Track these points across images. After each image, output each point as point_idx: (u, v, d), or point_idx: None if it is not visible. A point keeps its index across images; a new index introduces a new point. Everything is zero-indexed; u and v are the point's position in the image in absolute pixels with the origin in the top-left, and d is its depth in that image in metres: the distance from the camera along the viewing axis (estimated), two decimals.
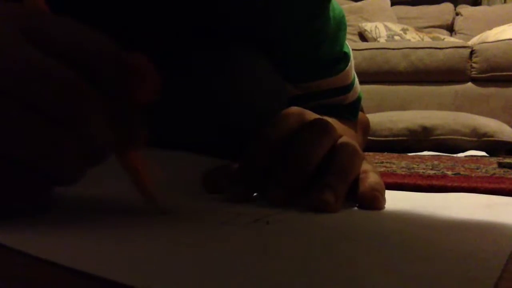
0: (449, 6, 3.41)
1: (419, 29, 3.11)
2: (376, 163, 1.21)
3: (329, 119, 0.42)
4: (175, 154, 0.45)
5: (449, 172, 0.88)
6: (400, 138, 2.18)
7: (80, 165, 0.26)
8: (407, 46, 2.64)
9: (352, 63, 0.60)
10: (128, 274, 0.18)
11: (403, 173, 0.84)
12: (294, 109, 0.38)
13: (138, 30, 0.49)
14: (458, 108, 2.48)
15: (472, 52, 2.54)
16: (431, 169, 0.98)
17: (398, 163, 1.22)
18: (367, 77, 2.49)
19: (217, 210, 0.32)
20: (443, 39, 2.97)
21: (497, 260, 0.21)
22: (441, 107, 2.50)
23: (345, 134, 0.39)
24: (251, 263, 0.20)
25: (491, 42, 2.59)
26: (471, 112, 2.35)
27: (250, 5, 0.48)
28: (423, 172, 0.88)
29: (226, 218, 0.29)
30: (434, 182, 0.53)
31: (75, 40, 0.25)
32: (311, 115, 0.38)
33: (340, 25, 0.56)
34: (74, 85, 0.24)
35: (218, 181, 0.37)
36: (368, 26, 3.06)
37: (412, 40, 2.91)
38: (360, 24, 3.10)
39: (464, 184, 0.51)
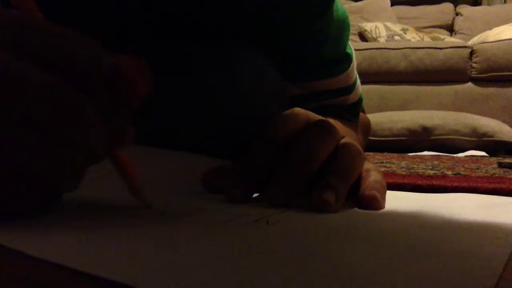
0: (449, 6, 3.41)
1: (419, 29, 3.11)
2: (376, 163, 1.21)
3: (331, 120, 0.42)
4: (175, 154, 0.45)
5: (449, 172, 0.88)
6: (400, 138, 2.18)
7: (79, 172, 0.26)
8: (407, 46, 2.64)
9: (354, 64, 0.60)
10: (128, 274, 0.18)
11: (403, 173, 0.84)
12: (297, 110, 0.38)
13: (138, 28, 0.49)
14: (458, 108, 2.47)
15: (472, 52, 2.54)
16: (431, 169, 0.98)
17: (398, 163, 1.22)
18: (367, 77, 2.49)
19: (217, 210, 0.32)
20: (443, 39, 2.97)
21: (497, 260, 0.21)
22: (441, 107, 2.50)
23: (347, 135, 0.39)
24: (251, 263, 0.20)
25: (491, 42, 2.59)
26: (471, 112, 2.35)
27: (251, 4, 0.48)
28: (423, 172, 0.88)
29: (226, 218, 0.29)
30: (434, 182, 0.53)
31: (57, 44, 0.24)
32: (314, 116, 0.38)
33: (343, 26, 0.56)
34: (55, 90, 0.23)
35: (218, 181, 0.37)
36: (368, 26, 3.06)
37: (412, 40, 2.91)
38: (360, 24, 3.10)
39: (464, 184, 0.51)
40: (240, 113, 0.47)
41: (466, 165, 1.17)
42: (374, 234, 0.27)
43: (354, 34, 3.09)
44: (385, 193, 0.36)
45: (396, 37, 2.95)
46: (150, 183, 0.37)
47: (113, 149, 0.28)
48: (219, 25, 0.49)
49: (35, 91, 0.23)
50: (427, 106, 2.53)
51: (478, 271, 0.20)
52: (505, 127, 2.18)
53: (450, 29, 3.32)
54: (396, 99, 2.59)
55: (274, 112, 0.40)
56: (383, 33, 2.99)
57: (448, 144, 2.14)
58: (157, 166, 0.41)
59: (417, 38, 2.95)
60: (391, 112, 2.38)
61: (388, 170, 0.91)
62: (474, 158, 1.76)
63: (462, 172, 0.89)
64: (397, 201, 0.38)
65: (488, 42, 2.61)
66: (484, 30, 2.90)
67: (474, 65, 2.53)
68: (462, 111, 2.40)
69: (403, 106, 2.54)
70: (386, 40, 2.91)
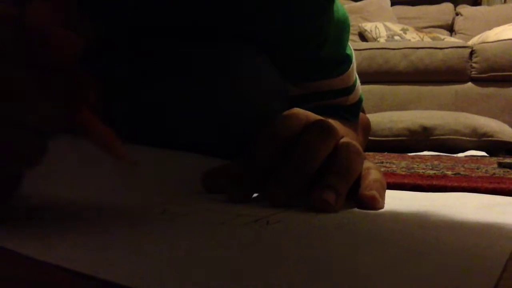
0: (449, 6, 3.40)
1: (419, 29, 3.11)
2: (376, 163, 1.21)
3: (331, 121, 0.42)
4: (175, 154, 0.45)
5: (449, 172, 0.88)
6: (400, 138, 2.18)
7: (33, 148, 0.24)
8: (407, 46, 2.64)
9: (354, 65, 0.60)
10: (127, 275, 0.18)
11: (403, 173, 0.84)
12: (297, 110, 0.38)
13: (138, 28, 0.49)
14: (458, 108, 2.47)
15: (472, 52, 2.54)
16: (431, 169, 0.98)
17: (398, 163, 1.22)
18: (367, 77, 2.49)
19: (217, 210, 0.32)
20: (443, 39, 2.97)
21: (497, 260, 0.21)
22: (441, 107, 2.49)
23: (346, 135, 0.39)
24: (250, 263, 0.20)
25: (491, 42, 2.59)
26: (471, 112, 2.35)
27: (251, 4, 0.48)
28: (423, 172, 0.88)
29: (226, 218, 0.29)
30: (434, 182, 0.53)
31: None
32: (314, 117, 0.38)
33: (343, 27, 0.56)
34: None
35: (218, 181, 0.37)
36: (368, 26, 3.06)
37: (412, 40, 2.91)
38: (360, 24, 3.10)
39: (464, 184, 0.51)
40: (240, 113, 0.47)
41: (466, 165, 1.17)
42: (374, 234, 0.27)
43: (354, 34, 3.09)
44: (384, 192, 0.36)
45: (396, 37, 2.95)
46: (150, 183, 0.37)
47: (74, 113, 0.25)
48: (219, 25, 0.49)
49: None
50: (427, 106, 2.53)
51: (478, 271, 0.20)
52: (505, 127, 2.18)
53: (450, 29, 3.32)
54: (396, 99, 2.59)
55: (274, 112, 0.40)
56: (383, 33, 2.99)
57: (448, 144, 2.14)
58: (157, 166, 0.41)
59: (417, 38, 2.95)
60: (391, 112, 2.38)
61: (388, 170, 0.91)
62: (474, 158, 1.76)
63: (462, 172, 0.89)
64: (397, 201, 0.38)
65: (488, 42, 2.61)
66: (484, 30, 2.90)
67: (474, 65, 2.53)
68: (462, 111, 2.40)
69: (403, 106, 2.54)
70: (386, 40, 2.91)
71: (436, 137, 2.15)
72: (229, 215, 0.30)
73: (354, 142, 0.37)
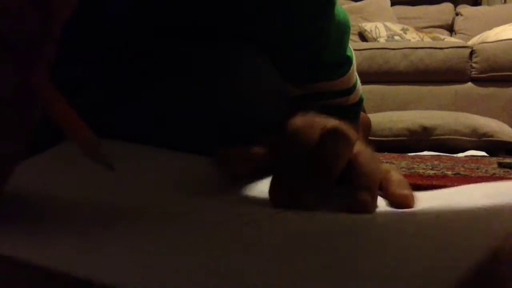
0: (449, 6, 3.41)
1: (419, 29, 3.11)
2: None
3: (342, 124, 0.41)
4: (175, 154, 0.45)
5: (449, 172, 0.88)
6: (400, 138, 2.18)
7: None
8: (407, 46, 2.64)
9: (354, 66, 0.60)
10: (127, 276, 0.18)
11: (403, 173, 0.84)
12: (310, 118, 0.38)
13: (138, 28, 0.49)
14: (458, 108, 2.48)
15: (472, 52, 2.54)
16: (431, 169, 0.98)
17: (398, 163, 1.22)
18: (367, 77, 2.49)
19: (217, 210, 0.32)
20: (443, 39, 2.97)
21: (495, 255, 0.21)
22: (441, 107, 2.50)
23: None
24: (250, 263, 0.20)
25: (491, 42, 2.59)
26: (471, 112, 2.35)
27: (251, 4, 0.48)
28: (423, 172, 0.88)
29: (226, 218, 0.29)
30: (434, 182, 0.53)
31: None
32: (328, 122, 0.38)
33: (344, 29, 0.56)
34: None
35: (234, 159, 0.37)
36: (368, 26, 3.06)
37: (412, 40, 2.91)
38: (360, 24, 3.10)
39: (464, 184, 0.51)
40: (240, 113, 0.47)
41: (466, 165, 1.17)
42: (374, 234, 0.27)
43: (354, 34, 3.09)
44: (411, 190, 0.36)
45: (396, 37, 2.95)
46: (150, 183, 0.37)
47: (25, 85, 0.24)
48: (219, 25, 0.49)
49: None
50: (427, 106, 2.53)
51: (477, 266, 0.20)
52: (505, 127, 2.18)
53: (450, 29, 3.32)
54: (396, 99, 2.59)
55: (274, 112, 0.40)
56: (383, 33, 2.99)
57: (448, 144, 2.14)
58: (157, 166, 0.41)
59: (417, 38, 2.95)
60: (391, 112, 2.38)
61: None
62: (474, 158, 1.76)
63: (462, 172, 0.89)
64: None
65: (488, 42, 2.61)
66: (484, 30, 2.90)
67: (474, 65, 2.53)
68: (462, 111, 2.40)
69: (403, 106, 2.54)
70: (386, 40, 2.91)
71: (436, 137, 2.15)
72: (229, 215, 0.30)
73: (367, 146, 0.37)
